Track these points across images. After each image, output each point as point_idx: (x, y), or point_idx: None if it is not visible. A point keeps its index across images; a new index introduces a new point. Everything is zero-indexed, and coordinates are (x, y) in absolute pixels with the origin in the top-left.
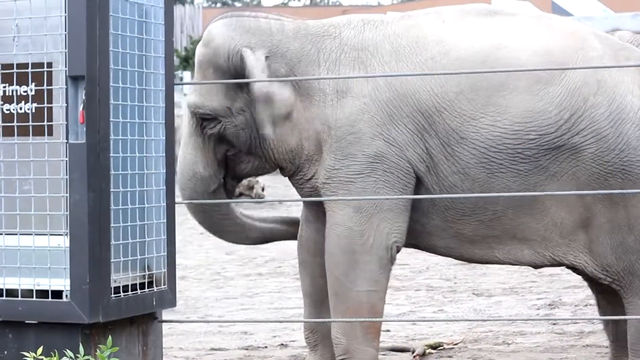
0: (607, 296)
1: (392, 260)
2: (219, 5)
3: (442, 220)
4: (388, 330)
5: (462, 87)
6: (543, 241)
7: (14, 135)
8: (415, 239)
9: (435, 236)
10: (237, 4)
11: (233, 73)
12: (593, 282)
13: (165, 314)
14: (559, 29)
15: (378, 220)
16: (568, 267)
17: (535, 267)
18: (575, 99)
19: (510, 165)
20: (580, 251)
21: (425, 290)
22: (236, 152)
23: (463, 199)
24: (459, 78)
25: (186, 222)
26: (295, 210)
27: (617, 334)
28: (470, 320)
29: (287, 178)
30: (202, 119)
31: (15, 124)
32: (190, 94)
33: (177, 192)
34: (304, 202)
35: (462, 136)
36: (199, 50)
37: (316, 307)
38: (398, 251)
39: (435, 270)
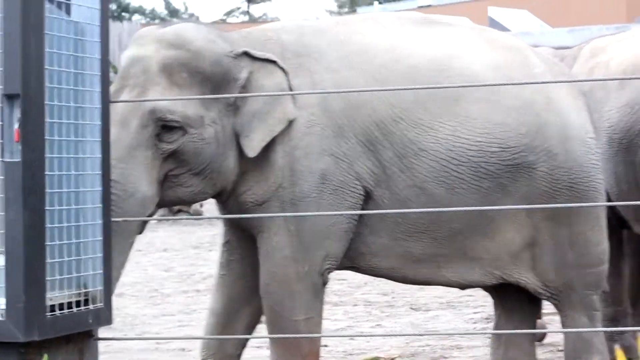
0: (510, 316)
1: (325, 284)
2: (157, 22)
3: (391, 237)
4: (326, 346)
5: (419, 96)
6: (494, 260)
7: None
8: (356, 260)
9: (379, 256)
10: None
11: (217, 79)
12: (500, 300)
13: (102, 332)
14: (499, 42)
15: (315, 247)
16: (509, 284)
17: (482, 286)
18: (530, 115)
19: (471, 182)
20: (526, 269)
21: (363, 305)
22: (183, 172)
23: (418, 215)
24: (414, 86)
25: None
26: None
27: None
28: (407, 335)
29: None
30: (163, 129)
31: None
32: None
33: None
34: (228, 222)
35: (420, 147)
36: (165, 53)
37: (222, 329)
38: (330, 273)
39: (373, 285)
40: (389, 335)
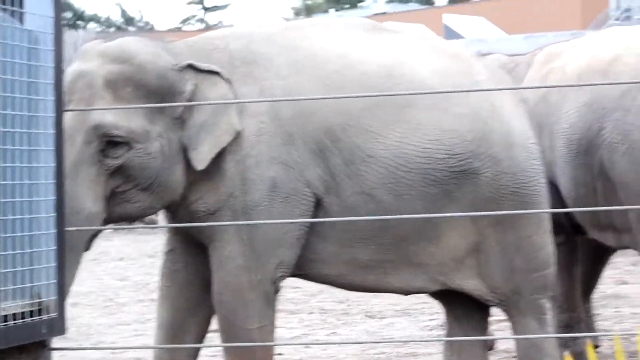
0: (461, 324)
1: (277, 292)
2: (112, 29)
3: (339, 245)
4: (281, 354)
5: (368, 103)
6: (438, 266)
7: None
8: (304, 268)
9: (327, 263)
10: (131, 29)
11: (162, 92)
12: (450, 308)
13: (57, 342)
14: (444, 50)
15: (267, 256)
16: (455, 290)
17: (426, 292)
18: (476, 122)
19: (420, 188)
20: (471, 275)
21: (318, 313)
22: (129, 188)
23: (365, 222)
24: (367, 92)
25: None
26: None
27: None
28: (363, 343)
29: None
30: (108, 144)
31: None
32: (104, 114)
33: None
34: (172, 230)
35: (368, 154)
36: (109, 67)
37: (171, 341)
38: (282, 280)
39: (328, 293)
40: (345, 343)
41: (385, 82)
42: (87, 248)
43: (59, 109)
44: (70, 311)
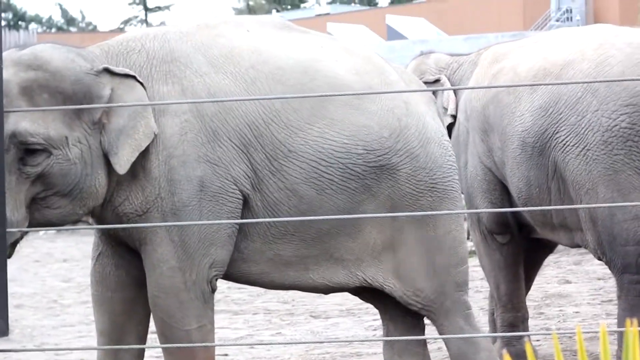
0: (396, 324)
1: (214, 291)
2: (53, 30)
3: (263, 241)
4: (226, 355)
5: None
6: (356, 261)
7: None
8: (229, 267)
9: (250, 262)
10: (72, 29)
11: (79, 98)
12: (383, 309)
13: (0, 344)
14: (355, 51)
15: (200, 255)
16: (378, 290)
17: (348, 290)
18: (391, 119)
19: (340, 182)
20: (390, 273)
21: (263, 314)
22: (50, 194)
23: (287, 217)
24: (284, 88)
25: (21, 250)
26: None
27: None
28: (307, 343)
29: None
30: (27, 152)
31: None
32: (19, 121)
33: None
34: (100, 233)
35: (290, 149)
36: (23, 75)
37: (113, 345)
38: (217, 279)
39: (273, 294)
40: (289, 343)
41: (301, 77)
42: (9, 255)
43: (0, 110)
44: (13, 313)
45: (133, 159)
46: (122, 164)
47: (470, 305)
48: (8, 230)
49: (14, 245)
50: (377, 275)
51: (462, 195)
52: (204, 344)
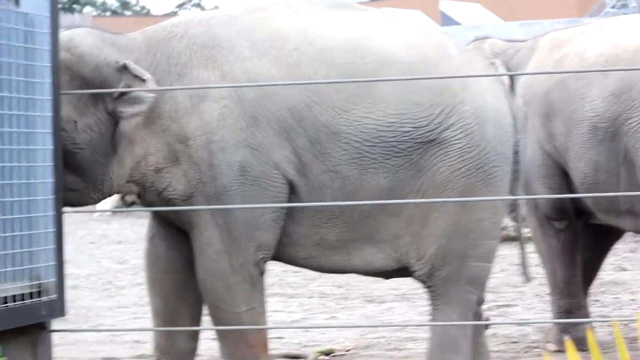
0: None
1: (262, 274)
2: (108, 14)
3: (310, 225)
4: (281, 338)
5: (331, 78)
6: (394, 240)
7: None
8: (278, 251)
9: (298, 246)
10: (127, 13)
11: (96, 85)
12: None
13: (56, 324)
14: (413, 26)
15: (245, 239)
16: (404, 271)
17: (385, 274)
18: (446, 94)
19: (383, 160)
20: (418, 251)
21: (318, 297)
22: (66, 175)
23: (333, 200)
24: (329, 69)
25: (77, 232)
26: None
27: None
28: (362, 327)
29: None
30: None
31: None
32: None
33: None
34: (153, 216)
35: (333, 131)
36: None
37: (167, 327)
38: (266, 263)
39: (328, 277)
40: (344, 327)
41: (348, 57)
42: None
43: (56, 91)
44: (69, 294)
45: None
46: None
47: (475, 310)
48: (64, 211)
49: None
50: (409, 252)
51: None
52: (257, 327)
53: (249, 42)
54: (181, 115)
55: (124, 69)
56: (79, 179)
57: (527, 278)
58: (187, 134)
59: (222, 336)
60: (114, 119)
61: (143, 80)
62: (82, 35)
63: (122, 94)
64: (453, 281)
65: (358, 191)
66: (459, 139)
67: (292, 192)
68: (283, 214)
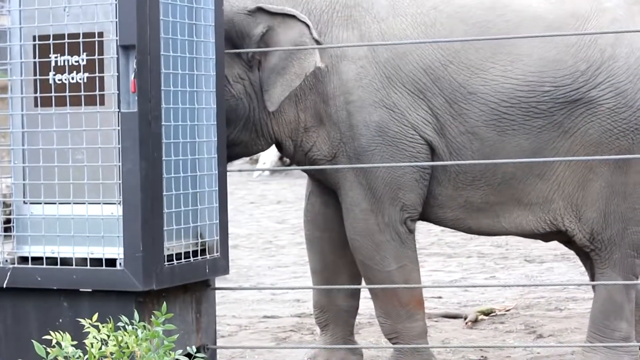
0: None
1: (411, 232)
2: None
3: (454, 187)
4: (440, 297)
5: (468, 36)
6: (545, 203)
7: (66, 105)
8: (425, 212)
9: (445, 208)
10: None
11: (234, 38)
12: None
13: (218, 282)
14: None
15: (389, 198)
16: (559, 234)
17: (537, 236)
18: (592, 50)
19: (523, 122)
20: (576, 215)
21: (476, 257)
22: (230, 131)
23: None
24: (466, 26)
25: (236, 192)
26: None
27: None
28: (522, 286)
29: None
30: None
31: (67, 94)
32: None
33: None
34: (309, 176)
35: (470, 91)
36: None
37: (325, 284)
38: (414, 222)
39: (486, 237)
40: (504, 287)
41: (486, 14)
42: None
43: (220, 50)
44: (230, 253)
45: (283, 97)
46: (273, 101)
47: (637, 272)
48: (228, 170)
49: None
50: (565, 219)
51: None
52: (413, 286)
53: (388, 2)
54: (324, 74)
55: (262, 11)
56: (243, 131)
57: None
58: (328, 93)
59: (375, 295)
60: (256, 65)
61: (290, 16)
62: None
63: (261, 37)
64: (616, 244)
65: (498, 153)
66: (608, 98)
67: (433, 153)
68: (427, 175)
